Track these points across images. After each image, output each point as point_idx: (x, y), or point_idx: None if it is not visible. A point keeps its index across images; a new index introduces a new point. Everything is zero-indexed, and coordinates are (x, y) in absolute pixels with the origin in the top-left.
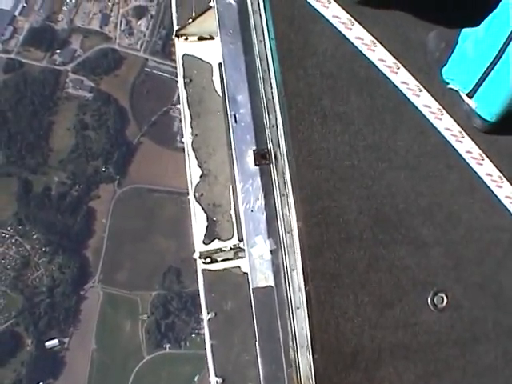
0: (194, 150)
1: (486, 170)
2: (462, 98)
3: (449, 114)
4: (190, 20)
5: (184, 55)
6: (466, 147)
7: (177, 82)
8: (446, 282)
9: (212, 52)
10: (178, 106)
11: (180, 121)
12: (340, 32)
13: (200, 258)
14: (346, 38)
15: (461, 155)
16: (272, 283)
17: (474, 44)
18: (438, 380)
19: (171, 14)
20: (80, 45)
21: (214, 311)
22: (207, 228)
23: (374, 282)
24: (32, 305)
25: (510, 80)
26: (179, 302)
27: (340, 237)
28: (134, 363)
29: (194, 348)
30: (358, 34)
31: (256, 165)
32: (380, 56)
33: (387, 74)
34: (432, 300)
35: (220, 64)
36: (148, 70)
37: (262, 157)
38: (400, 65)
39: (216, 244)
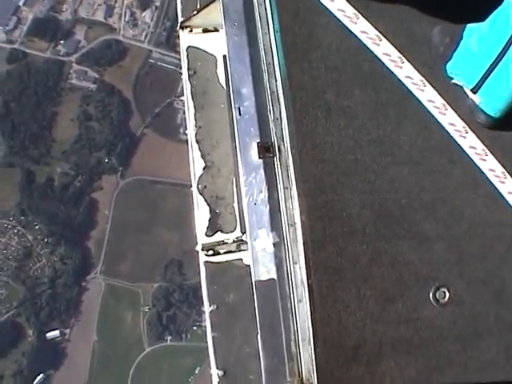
0: (197, 142)
1: (490, 165)
2: (466, 93)
3: (453, 109)
4: (195, 12)
5: (188, 47)
6: (470, 142)
7: (181, 73)
8: (448, 277)
9: (216, 44)
10: (181, 98)
11: (183, 113)
12: (345, 26)
13: (202, 250)
14: (351, 32)
15: (464, 150)
16: (274, 276)
17: (478, 40)
18: (440, 375)
19: (176, 5)
20: (84, 36)
21: (216, 304)
22: (210, 220)
23: (377, 277)
24: (33, 295)
25: None
26: (181, 294)
27: (343, 231)
28: (135, 355)
29: (195, 340)
30: (362, 28)
31: (260, 158)
32: (385, 50)
33: (392, 68)
34: (434, 295)
35: (224, 56)
36: (152, 61)
37: (266, 150)
38: (405, 59)
39: (218, 236)
